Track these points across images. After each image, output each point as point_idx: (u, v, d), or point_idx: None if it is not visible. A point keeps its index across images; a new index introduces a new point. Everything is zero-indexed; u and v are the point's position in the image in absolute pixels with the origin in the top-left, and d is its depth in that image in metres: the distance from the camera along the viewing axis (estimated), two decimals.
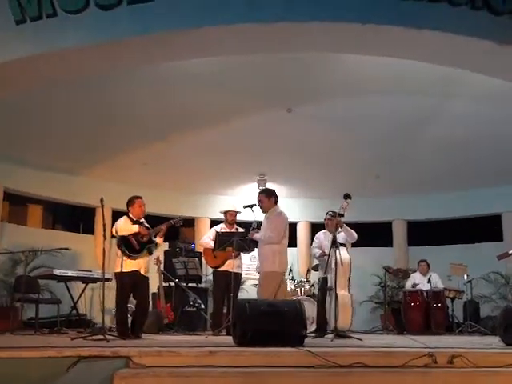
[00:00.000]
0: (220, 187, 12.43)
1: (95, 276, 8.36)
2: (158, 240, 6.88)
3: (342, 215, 6.86)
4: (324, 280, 7.36)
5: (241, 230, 8.01)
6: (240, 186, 12.48)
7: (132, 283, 6.56)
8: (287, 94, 8.90)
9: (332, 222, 7.50)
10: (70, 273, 8.45)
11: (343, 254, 6.99)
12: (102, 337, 5.52)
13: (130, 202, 6.87)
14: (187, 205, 12.21)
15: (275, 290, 6.24)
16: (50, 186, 10.93)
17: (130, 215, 6.82)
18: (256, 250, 7.16)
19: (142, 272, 6.68)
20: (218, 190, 12.51)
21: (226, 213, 8.28)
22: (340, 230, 7.18)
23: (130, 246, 6.58)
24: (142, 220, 6.90)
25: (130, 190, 11.10)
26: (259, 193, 6.89)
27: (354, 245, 7.62)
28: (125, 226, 6.67)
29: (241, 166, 11.35)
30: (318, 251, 7.61)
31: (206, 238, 8.35)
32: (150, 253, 6.84)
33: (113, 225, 6.94)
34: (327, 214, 7.76)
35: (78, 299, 8.45)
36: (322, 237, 7.80)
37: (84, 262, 10.51)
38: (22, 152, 10.00)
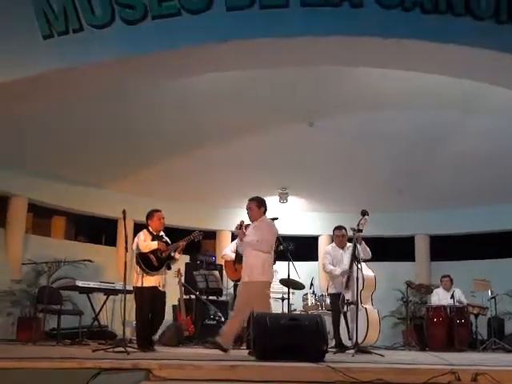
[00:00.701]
0: (241, 200, 12.35)
1: (117, 288, 8.41)
2: (176, 256, 6.92)
3: (360, 231, 6.87)
4: (336, 296, 7.30)
5: None
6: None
7: (151, 298, 6.58)
8: (309, 108, 8.92)
9: (344, 237, 7.48)
10: (92, 284, 8.52)
11: (367, 270, 6.96)
12: (122, 349, 5.53)
13: (150, 215, 6.91)
14: (209, 217, 12.23)
15: (268, 299, 6.16)
16: (73, 198, 11.04)
17: (150, 229, 6.86)
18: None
19: (160, 287, 6.72)
20: (239, 203, 12.46)
21: (246, 226, 8.23)
22: (358, 245, 7.12)
23: (149, 263, 6.61)
24: (162, 234, 6.95)
25: (152, 202, 11.18)
26: (249, 200, 6.60)
27: (376, 259, 7.57)
28: (146, 243, 6.67)
29: (262, 180, 11.33)
30: (334, 268, 7.52)
31: (227, 250, 8.32)
32: (169, 268, 6.91)
33: (134, 236, 6.98)
34: (339, 228, 7.71)
35: (100, 311, 8.49)
36: (332, 251, 7.76)
37: (106, 273, 10.57)
38: (46, 165, 10.13)
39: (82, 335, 8.26)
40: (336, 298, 7.34)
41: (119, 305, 7.61)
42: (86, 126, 9.11)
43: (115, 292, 8.48)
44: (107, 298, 8.63)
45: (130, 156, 10.18)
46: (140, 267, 6.62)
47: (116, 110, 8.64)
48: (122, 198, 10.97)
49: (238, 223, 6.29)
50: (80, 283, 8.38)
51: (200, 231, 6.93)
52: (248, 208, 6.45)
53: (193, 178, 11.06)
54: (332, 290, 7.78)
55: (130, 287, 6.55)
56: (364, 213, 6.84)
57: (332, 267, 7.57)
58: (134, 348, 6.05)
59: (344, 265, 7.34)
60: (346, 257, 7.43)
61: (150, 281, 6.55)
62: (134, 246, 6.78)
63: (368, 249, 7.34)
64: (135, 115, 8.86)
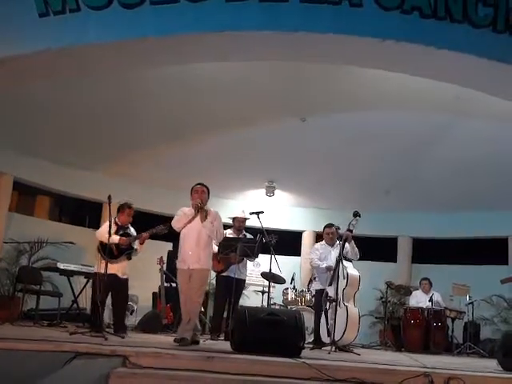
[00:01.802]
0: (228, 191, 12.42)
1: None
2: (138, 246, 7.10)
3: (351, 231, 6.96)
4: (321, 292, 7.34)
5: (249, 236, 7.99)
6: (248, 191, 12.48)
7: (109, 285, 6.59)
8: (302, 103, 8.92)
9: (334, 234, 7.53)
10: (72, 267, 8.50)
11: (353, 270, 7.01)
12: (100, 333, 5.53)
13: (121, 208, 7.13)
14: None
15: None
16: (59, 179, 10.95)
17: (117, 220, 7.01)
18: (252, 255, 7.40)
19: (120, 275, 6.92)
20: (225, 193, 12.50)
21: (234, 219, 8.25)
22: (347, 244, 7.16)
23: (109, 251, 6.69)
24: (127, 226, 7.15)
25: (138, 187, 11.26)
26: (203, 185, 6.31)
27: (359, 258, 7.59)
28: (105, 234, 6.68)
29: (251, 172, 11.35)
30: (321, 263, 7.56)
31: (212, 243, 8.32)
32: (129, 258, 7.09)
33: None
34: (329, 226, 7.74)
35: (80, 294, 8.47)
36: (322, 249, 7.79)
37: (87, 256, 10.49)
38: (33, 144, 10.03)
39: (61, 317, 8.22)
40: (320, 293, 7.37)
41: None
42: (76, 106, 9.03)
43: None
44: (87, 282, 8.60)
45: (119, 140, 10.13)
46: (100, 254, 6.79)
47: (110, 91, 8.56)
48: (108, 181, 10.91)
49: (198, 202, 5.99)
50: (61, 265, 8.36)
51: (164, 226, 6.82)
52: (204, 192, 6.18)
53: (180, 167, 11.02)
54: (317, 286, 7.84)
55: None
56: (356, 214, 6.93)
57: (319, 262, 7.60)
58: (111, 333, 6.04)
59: (331, 261, 7.38)
60: (333, 254, 7.46)
61: (110, 268, 6.53)
62: (98, 234, 6.97)
63: (357, 249, 7.36)
64: (130, 98, 8.79)
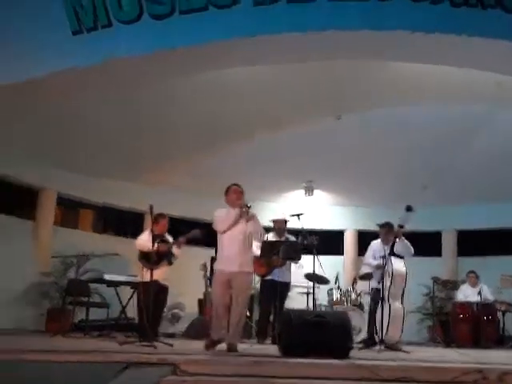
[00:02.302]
0: (267, 194, 12.44)
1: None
2: (176, 251, 7.29)
3: (402, 227, 6.81)
4: (377, 291, 7.25)
5: (291, 238, 7.98)
6: (287, 192, 12.49)
7: (152, 291, 6.65)
8: (336, 101, 8.87)
9: (390, 233, 7.35)
10: (119, 277, 8.60)
11: (400, 265, 6.90)
12: (149, 343, 5.59)
13: (156, 219, 7.23)
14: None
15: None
16: (100, 192, 11.19)
17: (153, 230, 7.09)
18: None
19: (161, 281, 7.10)
20: (264, 196, 12.52)
21: (274, 221, 8.25)
22: (397, 241, 7.05)
23: (149, 258, 6.76)
24: (164, 235, 7.35)
25: (176, 195, 11.37)
26: (240, 186, 6.22)
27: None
28: (143, 243, 6.93)
29: (288, 173, 11.34)
30: (373, 261, 7.46)
31: (253, 246, 8.32)
32: (170, 263, 7.28)
33: None
34: (383, 225, 7.57)
35: (127, 304, 8.57)
36: (377, 247, 7.67)
37: (132, 266, 10.64)
38: (74, 158, 10.25)
39: (110, 328, 8.36)
40: (377, 292, 7.27)
41: None
42: (115, 121, 9.20)
43: None
44: (134, 292, 8.69)
45: (156, 150, 10.26)
46: (141, 262, 7.01)
47: (144, 105, 8.70)
48: (148, 191, 11.04)
49: (245, 203, 5.94)
50: (107, 276, 8.47)
51: (199, 230, 6.97)
52: (241, 192, 6.12)
53: (216, 173, 11.06)
54: (373, 284, 7.71)
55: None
56: (409, 208, 6.71)
57: (370, 260, 7.51)
58: (161, 342, 6.10)
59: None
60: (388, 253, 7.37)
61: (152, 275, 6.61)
62: (137, 244, 7.20)
63: (409, 245, 7.18)
64: (163, 109, 8.92)
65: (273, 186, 12.10)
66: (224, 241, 5.89)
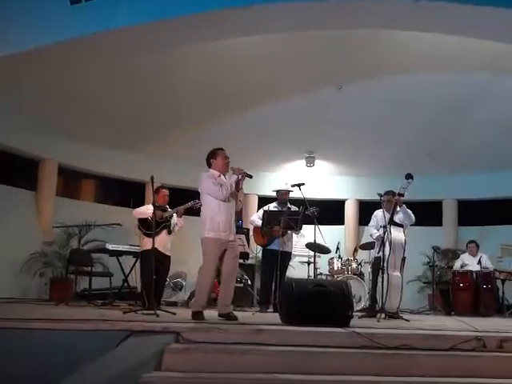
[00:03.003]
0: (268, 164, 12.43)
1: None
2: (178, 221, 7.49)
3: (402, 195, 6.84)
4: (378, 259, 7.29)
5: (293, 208, 8.00)
6: (288, 163, 12.46)
7: (155, 260, 6.71)
8: (338, 70, 8.81)
9: (391, 201, 7.37)
10: (121, 247, 8.65)
11: (399, 234, 6.94)
12: (152, 311, 5.65)
13: (157, 191, 7.39)
14: None
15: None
16: (102, 162, 11.17)
17: (155, 201, 7.10)
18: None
19: (161, 249, 7.10)
20: (265, 166, 12.51)
21: (277, 192, 8.27)
22: (398, 209, 7.07)
23: (148, 226, 7.02)
24: (165, 206, 7.52)
25: (178, 166, 11.37)
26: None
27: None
28: (140, 211, 7.45)
29: (289, 143, 11.31)
30: (375, 232, 7.49)
31: (255, 217, 8.35)
32: (169, 232, 7.42)
33: None
34: (387, 193, 7.53)
35: (130, 273, 8.62)
36: (380, 216, 7.69)
37: (134, 236, 10.70)
38: (75, 128, 10.21)
39: (113, 296, 8.44)
40: (377, 260, 7.31)
41: None
42: (117, 91, 9.14)
43: None
44: (136, 261, 8.73)
45: (157, 120, 10.22)
46: (139, 229, 7.30)
47: (145, 74, 8.62)
48: (149, 162, 11.08)
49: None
50: (110, 246, 8.52)
51: (197, 201, 6.88)
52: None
53: (219, 142, 10.99)
54: (375, 253, 7.74)
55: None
56: (408, 176, 6.72)
57: (373, 230, 7.55)
58: (164, 310, 6.17)
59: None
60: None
61: (150, 243, 6.62)
62: (134, 212, 7.58)
63: (410, 213, 7.22)
64: (165, 79, 8.85)
65: (274, 156, 12.08)
66: (217, 207, 5.78)
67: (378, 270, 6.87)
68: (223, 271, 5.85)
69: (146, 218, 7.28)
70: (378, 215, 7.68)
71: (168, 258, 7.41)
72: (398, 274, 6.92)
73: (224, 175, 6.00)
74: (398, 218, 7.10)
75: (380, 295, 6.57)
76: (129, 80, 8.88)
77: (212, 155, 6.05)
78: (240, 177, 5.90)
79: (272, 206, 8.14)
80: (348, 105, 9.66)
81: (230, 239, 5.81)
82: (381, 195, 7.12)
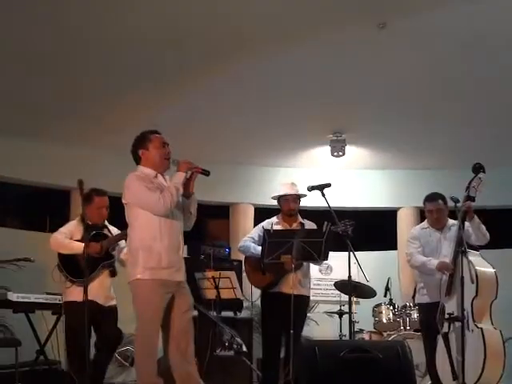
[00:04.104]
0: (270, 154, 12.45)
1: None
2: (123, 255, 7.24)
3: (472, 198, 6.84)
4: (430, 308, 7.29)
5: (308, 224, 8.07)
6: (304, 151, 12.51)
7: (88, 318, 6.69)
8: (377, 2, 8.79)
9: (442, 211, 7.55)
10: (33, 298, 8.61)
11: (483, 265, 6.93)
12: None
13: (87, 199, 7.18)
14: (216, 184, 12.17)
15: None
16: None
17: (85, 216, 7.08)
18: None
19: (101, 302, 7.19)
20: (266, 158, 12.54)
21: (279, 198, 8.24)
22: (468, 224, 7.10)
23: (74, 264, 6.97)
24: (104, 224, 7.44)
25: (125, 163, 11.31)
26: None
27: (486, 246, 7.58)
28: (61, 241, 7.09)
29: (304, 121, 11.29)
30: (426, 259, 7.53)
31: (247, 240, 8.32)
32: (112, 274, 7.36)
33: None
34: (432, 198, 7.73)
35: (48, 339, 8.61)
36: (423, 235, 7.73)
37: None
38: None
39: (21, 378, 8.39)
40: (430, 310, 7.35)
41: None
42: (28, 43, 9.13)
43: None
44: (58, 319, 8.72)
45: (91, 87, 10.14)
46: (62, 273, 7.22)
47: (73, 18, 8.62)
48: (75, 159, 11.14)
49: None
50: (14, 296, 8.48)
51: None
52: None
53: (190, 122, 11.06)
54: (423, 299, 7.78)
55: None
56: (477, 168, 6.80)
57: (423, 258, 7.57)
58: None
59: (443, 256, 7.33)
60: (446, 243, 7.47)
61: (81, 293, 6.48)
62: (52, 241, 7.27)
63: (484, 228, 7.31)
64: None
65: (280, 141, 12.08)
66: (156, 229, 5.78)
67: (443, 324, 6.91)
68: (172, 334, 5.87)
69: (74, 255, 7.15)
70: (421, 235, 7.73)
71: (110, 312, 7.31)
72: (491, 327, 6.89)
73: (162, 175, 6.04)
74: (468, 237, 7.20)
75: (459, 363, 6.54)
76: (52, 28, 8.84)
77: (140, 143, 6.10)
78: (190, 174, 5.95)
79: (273, 223, 8.12)
80: (393, 53, 9.60)
81: (178, 279, 5.87)
82: (457, 200, 7.13)
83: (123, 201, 5.90)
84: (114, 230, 7.40)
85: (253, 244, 8.10)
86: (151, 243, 5.69)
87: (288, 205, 8.12)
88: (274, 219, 8.20)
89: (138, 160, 6.03)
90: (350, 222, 7.66)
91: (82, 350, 6.33)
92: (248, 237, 8.37)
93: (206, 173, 5.98)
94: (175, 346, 5.83)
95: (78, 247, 6.93)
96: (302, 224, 8.08)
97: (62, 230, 7.26)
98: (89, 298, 6.62)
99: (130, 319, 7.10)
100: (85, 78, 9.90)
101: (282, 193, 8.17)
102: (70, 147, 11.36)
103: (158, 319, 5.67)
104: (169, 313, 5.76)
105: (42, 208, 12.44)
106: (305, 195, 8.12)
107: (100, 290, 7.15)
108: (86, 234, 6.79)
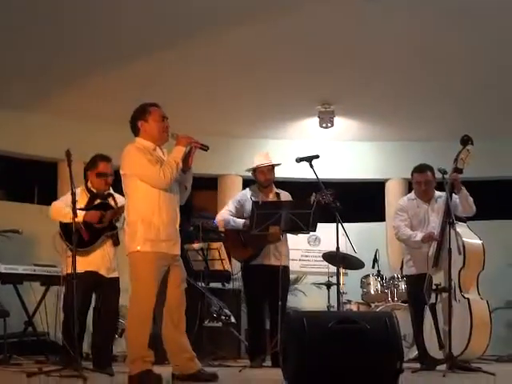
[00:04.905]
0: (259, 126, 12.39)
1: (60, 273, 8.46)
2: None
3: (460, 170, 6.86)
4: (418, 279, 7.35)
5: (283, 195, 8.15)
6: (293, 122, 12.49)
7: (86, 289, 6.75)
8: None
9: (430, 183, 7.56)
10: (21, 269, 8.60)
11: (470, 236, 6.97)
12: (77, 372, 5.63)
13: (91, 165, 7.18)
14: (204, 155, 12.13)
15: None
16: None
17: (89, 184, 7.11)
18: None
19: (103, 273, 7.05)
20: (255, 130, 12.48)
21: (254, 170, 8.20)
22: (456, 195, 7.12)
23: (78, 236, 6.78)
24: (109, 192, 7.25)
25: (111, 133, 11.30)
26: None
27: (478, 216, 7.62)
28: (64, 209, 6.84)
29: (292, 92, 11.25)
30: (413, 233, 7.54)
31: (225, 213, 8.31)
32: (115, 242, 7.19)
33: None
34: (420, 170, 7.70)
35: (36, 310, 8.61)
36: (410, 207, 7.75)
37: (42, 250, 10.66)
38: None
39: (10, 349, 8.41)
40: (417, 282, 7.38)
41: None
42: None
43: (58, 280, 8.52)
44: (46, 290, 8.73)
45: (68, 61, 10.09)
46: (64, 243, 6.99)
47: None
48: (61, 128, 11.08)
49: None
50: (2, 268, 8.47)
51: None
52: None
53: (175, 90, 10.97)
54: (410, 270, 7.80)
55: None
56: (466, 140, 6.81)
57: (409, 231, 7.58)
58: (91, 369, 6.16)
59: (431, 227, 7.36)
60: (433, 215, 7.49)
61: (83, 263, 6.65)
62: (52, 210, 7.12)
63: (471, 200, 7.35)
64: None
65: (266, 112, 12.04)
66: (155, 202, 5.78)
67: (430, 295, 6.96)
68: (166, 307, 5.88)
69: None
70: (409, 206, 7.73)
71: (113, 283, 7.18)
72: (478, 298, 6.96)
73: (161, 148, 6.02)
74: (455, 208, 7.22)
75: (445, 333, 6.59)
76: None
77: (140, 115, 6.03)
78: (189, 149, 5.93)
79: (249, 194, 8.12)
80: (382, 23, 9.52)
81: (175, 252, 5.88)
82: (444, 172, 7.13)
83: (121, 171, 5.87)
84: (120, 199, 7.10)
85: (231, 217, 8.10)
86: (150, 216, 5.69)
87: (264, 175, 8.14)
88: (248, 191, 8.24)
89: (136, 132, 5.96)
90: (330, 192, 7.59)
91: (80, 323, 6.39)
92: (226, 210, 8.36)
93: (205, 148, 6.01)
94: (169, 318, 5.86)
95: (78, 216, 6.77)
96: (278, 194, 8.10)
97: (63, 199, 7.13)
98: (90, 268, 6.80)
99: (124, 290, 7.18)
100: (72, 47, 9.86)
101: (257, 163, 8.18)
102: (56, 118, 11.30)
103: (154, 291, 5.66)
104: (163, 286, 5.76)
105: (29, 180, 12.38)
106: (279, 164, 8.13)
107: (102, 260, 7.05)
108: (90, 202, 6.89)
